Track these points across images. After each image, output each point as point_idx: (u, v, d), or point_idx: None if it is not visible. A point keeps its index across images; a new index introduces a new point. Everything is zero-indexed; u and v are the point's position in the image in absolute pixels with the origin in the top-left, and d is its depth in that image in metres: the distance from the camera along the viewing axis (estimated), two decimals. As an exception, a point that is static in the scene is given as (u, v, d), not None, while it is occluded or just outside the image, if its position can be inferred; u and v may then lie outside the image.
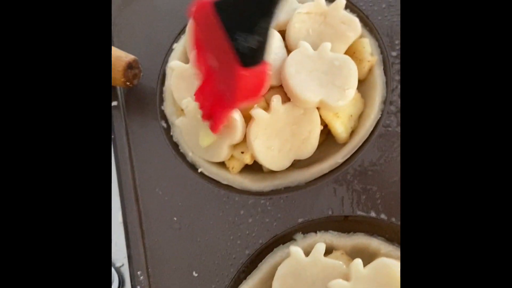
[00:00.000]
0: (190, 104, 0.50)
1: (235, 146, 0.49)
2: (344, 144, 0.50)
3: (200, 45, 0.43)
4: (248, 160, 0.49)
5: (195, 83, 0.51)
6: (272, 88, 0.50)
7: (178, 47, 0.59)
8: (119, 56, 0.56)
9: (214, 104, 0.45)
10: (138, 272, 0.49)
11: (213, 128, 0.47)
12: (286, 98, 0.49)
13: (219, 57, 0.41)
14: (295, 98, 0.48)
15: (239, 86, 0.40)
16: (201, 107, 0.48)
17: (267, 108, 0.49)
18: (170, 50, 0.59)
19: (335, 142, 0.51)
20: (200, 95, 0.47)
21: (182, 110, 0.53)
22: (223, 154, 0.49)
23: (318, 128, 0.49)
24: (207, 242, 0.48)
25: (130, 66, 0.56)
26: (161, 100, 0.57)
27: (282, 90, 0.50)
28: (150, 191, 0.52)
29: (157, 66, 0.59)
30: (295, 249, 0.42)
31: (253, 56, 0.38)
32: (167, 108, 0.56)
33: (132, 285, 0.49)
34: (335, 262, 0.42)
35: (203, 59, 0.44)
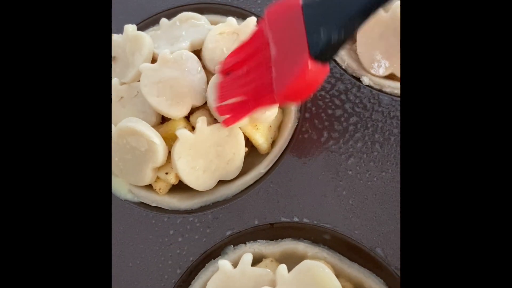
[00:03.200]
0: (113, 129, 0.50)
1: (159, 167, 0.50)
2: (266, 154, 0.52)
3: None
4: (173, 180, 0.50)
5: (118, 110, 0.52)
6: (197, 108, 0.51)
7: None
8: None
9: (248, 97, 0.45)
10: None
11: (228, 121, 0.47)
12: (212, 119, 0.50)
13: (283, 47, 0.42)
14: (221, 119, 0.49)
15: (298, 79, 0.39)
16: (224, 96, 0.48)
17: (192, 129, 0.50)
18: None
19: (259, 153, 0.53)
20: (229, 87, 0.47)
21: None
22: (147, 177, 0.49)
23: (243, 150, 0.50)
24: (139, 266, 0.48)
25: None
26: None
27: (208, 111, 0.51)
28: (78, 222, 0.51)
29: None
30: (223, 263, 0.43)
31: (326, 51, 0.39)
32: (92, 136, 0.56)
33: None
34: (262, 270, 0.43)
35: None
